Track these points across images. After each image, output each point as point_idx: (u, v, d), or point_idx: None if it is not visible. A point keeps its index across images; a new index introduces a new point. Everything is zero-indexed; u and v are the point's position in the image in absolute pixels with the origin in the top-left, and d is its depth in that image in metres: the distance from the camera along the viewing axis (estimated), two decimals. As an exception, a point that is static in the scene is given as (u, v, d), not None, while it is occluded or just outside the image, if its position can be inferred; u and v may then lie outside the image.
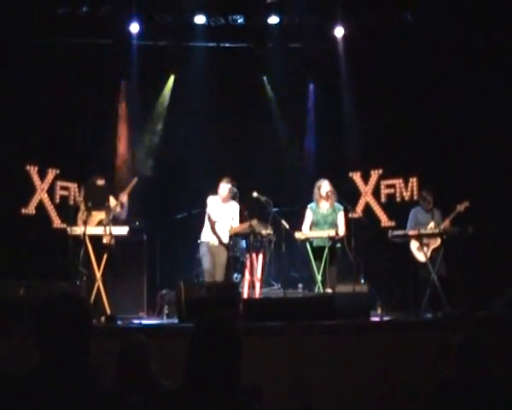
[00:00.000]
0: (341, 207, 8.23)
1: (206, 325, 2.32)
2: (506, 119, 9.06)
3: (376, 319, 7.28)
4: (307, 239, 8.00)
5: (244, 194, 8.17)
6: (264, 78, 10.77)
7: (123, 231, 7.26)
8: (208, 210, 8.16)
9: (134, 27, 9.76)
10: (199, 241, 8.24)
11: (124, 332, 5.91)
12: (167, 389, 3.52)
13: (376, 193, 10.05)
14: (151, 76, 10.15)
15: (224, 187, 8.13)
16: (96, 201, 7.37)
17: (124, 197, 7.50)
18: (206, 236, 8.16)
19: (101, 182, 7.71)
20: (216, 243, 8.09)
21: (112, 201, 7.55)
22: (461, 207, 7.82)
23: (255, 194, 8.13)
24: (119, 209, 7.54)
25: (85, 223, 7.15)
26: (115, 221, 7.46)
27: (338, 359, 5.58)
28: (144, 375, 3.60)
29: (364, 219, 9.02)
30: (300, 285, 8.96)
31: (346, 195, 8.64)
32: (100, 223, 7.32)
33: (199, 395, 2.20)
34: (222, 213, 8.15)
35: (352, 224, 8.14)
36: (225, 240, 8.10)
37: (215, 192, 8.22)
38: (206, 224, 8.19)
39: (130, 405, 2.34)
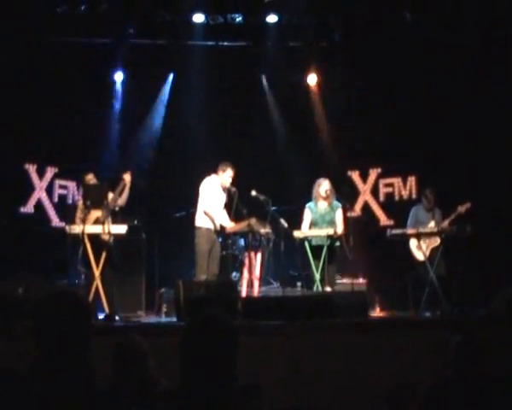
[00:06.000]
0: (339, 205, 8.20)
1: (200, 323, 2.29)
2: (506, 118, 9.06)
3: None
4: (306, 238, 7.99)
5: (243, 192, 8.15)
6: (263, 76, 10.77)
7: (121, 229, 7.25)
8: (208, 193, 7.98)
9: (132, 26, 9.75)
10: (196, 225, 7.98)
11: (123, 331, 5.91)
12: (166, 388, 3.52)
13: (375, 192, 10.05)
14: (149, 75, 10.13)
15: (230, 173, 7.99)
16: (95, 199, 7.36)
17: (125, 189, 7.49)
18: (203, 221, 7.95)
19: (93, 179, 7.68)
20: (212, 227, 7.90)
21: (110, 197, 7.52)
22: (462, 209, 7.75)
23: (254, 192, 8.12)
24: (119, 202, 7.53)
25: (83, 221, 7.14)
26: (115, 213, 7.45)
27: (337, 357, 5.58)
28: (141, 375, 3.59)
29: (363, 217, 9.01)
30: (299, 284, 8.95)
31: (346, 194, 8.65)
32: (97, 221, 7.31)
33: (196, 395, 2.18)
34: (221, 199, 8.05)
35: (350, 222, 8.13)
36: (219, 227, 7.97)
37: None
38: (202, 208, 7.94)
39: (126, 404, 2.34)
